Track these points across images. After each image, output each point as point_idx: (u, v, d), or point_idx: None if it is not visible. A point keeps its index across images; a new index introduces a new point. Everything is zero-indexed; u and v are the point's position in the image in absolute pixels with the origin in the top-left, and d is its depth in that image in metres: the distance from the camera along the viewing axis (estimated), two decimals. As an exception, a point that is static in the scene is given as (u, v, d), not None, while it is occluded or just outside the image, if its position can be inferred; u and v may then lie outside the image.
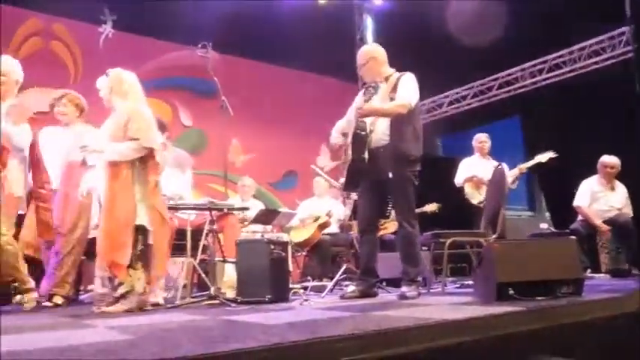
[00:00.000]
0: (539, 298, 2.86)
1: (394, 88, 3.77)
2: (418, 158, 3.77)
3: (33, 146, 3.80)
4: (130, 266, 3.34)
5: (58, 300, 3.97)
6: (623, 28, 6.76)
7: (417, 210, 3.96)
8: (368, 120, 3.75)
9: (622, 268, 5.48)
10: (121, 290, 3.33)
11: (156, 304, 3.53)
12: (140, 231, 3.41)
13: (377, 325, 2.09)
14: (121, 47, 7.03)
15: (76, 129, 4.25)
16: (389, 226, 5.83)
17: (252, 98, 7.41)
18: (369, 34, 9.21)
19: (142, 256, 3.40)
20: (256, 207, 5.79)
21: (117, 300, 3.32)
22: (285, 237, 5.21)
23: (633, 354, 2.54)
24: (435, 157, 9.15)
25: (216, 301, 3.67)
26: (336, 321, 2.44)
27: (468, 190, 5.81)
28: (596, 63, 7.08)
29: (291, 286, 4.20)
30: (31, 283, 3.71)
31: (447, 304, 3.13)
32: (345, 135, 3.97)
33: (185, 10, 6.68)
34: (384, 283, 4.36)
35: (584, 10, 6.41)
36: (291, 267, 4.37)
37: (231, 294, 3.95)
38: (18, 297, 4.27)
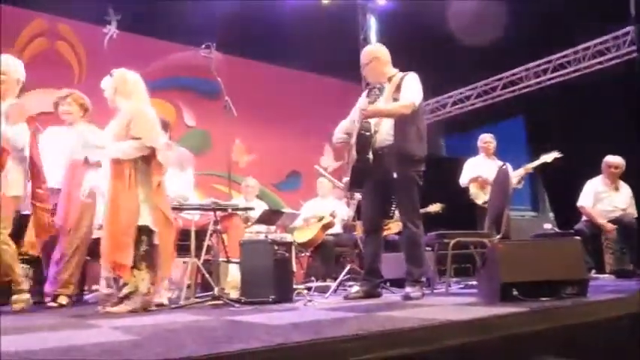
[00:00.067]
0: (544, 298, 2.85)
1: (398, 89, 3.77)
2: (422, 158, 3.76)
3: (31, 146, 3.76)
4: (134, 267, 3.34)
5: (63, 300, 3.98)
6: (628, 28, 6.75)
7: (421, 210, 3.95)
8: (372, 120, 3.75)
9: (626, 269, 5.47)
10: (126, 291, 3.33)
11: (160, 305, 3.54)
12: (144, 231, 3.41)
13: (381, 326, 2.09)
14: (125, 48, 7.05)
15: (79, 128, 4.25)
16: (392, 227, 5.83)
17: (255, 99, 7.41)
18: (373, 34, 9.21)
19: (147, 257, 3.40)
20: (260, 207, 5.79)
21: (121, 300, 3.33)
22: (288, 237, 5.22)
23: (638, 355, 2.53)
24: (438, 158, 9.14)
25: (220, 302, 3.66)
26: (340, 321, 2.43)
27: (473, 190, 5.80)
28: (600, 63, 7.07)
29: (294, 286, 4.20)
30: (25, 285, 3.68)
31: (451, 304, 3.13)
32: (348, 135, 3.97)
33: (189, 10, 6.69)
34: (388, 284, 4.35)
35: (588, 10, 6.40)
36: (294, 267, 4.37)
37: (234, 294, 3.96)
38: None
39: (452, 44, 7.08)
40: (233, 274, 4.26)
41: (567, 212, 6.42)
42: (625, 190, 5.91)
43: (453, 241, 4.04)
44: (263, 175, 7.39)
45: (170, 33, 7.30)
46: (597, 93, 6.86)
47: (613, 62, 6.93)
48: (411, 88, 3.74)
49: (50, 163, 4.14)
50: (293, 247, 4.28)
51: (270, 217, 5.53)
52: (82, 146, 4.00)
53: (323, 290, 4.45)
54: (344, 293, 4.05)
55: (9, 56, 3.78)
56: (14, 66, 3.74)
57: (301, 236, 6.01)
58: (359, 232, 5.00)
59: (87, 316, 3.11)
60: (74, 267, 4.07)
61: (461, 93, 8.74)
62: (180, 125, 7.55)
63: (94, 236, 4.14)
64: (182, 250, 4.12)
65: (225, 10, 6.67)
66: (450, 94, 8.84)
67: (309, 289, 4.47)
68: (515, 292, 2.90)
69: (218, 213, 4.14)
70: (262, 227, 5.67)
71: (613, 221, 5.67)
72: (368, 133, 3.71)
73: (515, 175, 5.62)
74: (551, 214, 7.71)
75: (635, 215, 5.76)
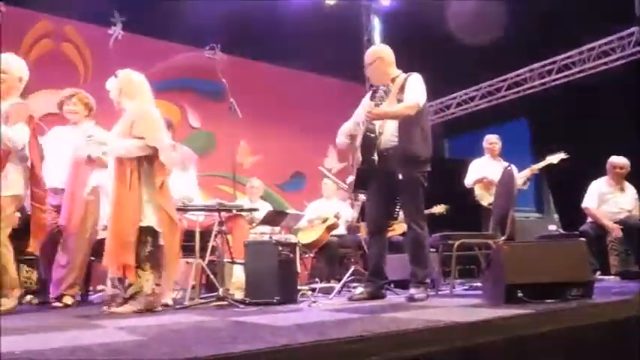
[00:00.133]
0: (549, 300, 2.85)
1: (401, 89, 3.77)
2: (427, 159, 3.76)
3: (30, 145, 3.70)
4: (138, 267, 3.35)
5: (68, 300, 4.00)
6: (633, 29, 6.72)
7: (425, 211, 3.95)
8: (377, 122, 3.75)
9: (632, 271, 5.44)
10: (131, 291, 3.34)
11: (165, 305, 3.55)
12: (149, 232, 3.41)
13: (385, 327, 2.09)
14: (130, 49, 7.07)
15: (83, 126, 4.26)
16: (397, 228, 5.82)
17: (259, 100, 7.42)
18: (377, 35, 9.21)
19: (151, 258, 3.40)
20: (264, 208, 5.80)
21: (126, 301, 3.34)
22: (293, 238, 5.22)
23: (644, 357, 2.52)
24: (442, 159, 9.13)
25: (225, 303, 3.67)
26: (344, 323, 2.44)
27: (478, 191, 5.79)
28: (605, 63, 7.04)
29: (299, 287, 4.20)
30: (16, 292, 3.55)
31: (456, 306, 3.13)
32: (351, 137, 3.97)
33: (194, 11, 6.71)
34: (393, 285, 4.35)
35: (592, 11, 6.39)
36: (298, 268, 4.37)
37: (239, 295, 3.96)
38: (28, 297, 4.31)
39: (456, 45, 7.07)
40: (237, 275, 4.27)
41: (572, 213, 6.40)
42: (630, 191, 5.88)
43: (457, 243, 4.03)
44: (267, 176, 7.40)
45: (175, 34, 7.32)
46: (602, 94, 6.84)
47: (618, 63, 6.91)
48: (415, 89, 3.74)
49: (55, 163, 4.16)
50: (297, 248, 4.27)
51: (275, 218, 5.54)
52: (85, 142, 3.99)
53: (327, 291, 4.45)
54: (348, 294, 4.05)
55: (10, 55, 3.73)
56: (16, 65, 3.69)
57: (305, 237, 6.01)
58: (363, 234, 4.99)
59: (92, 317, 3.12)
60: (79, 269, 4.08)
61: (465, 94, 8.72)
62: (185, 126, 7.57)
63: (99, 237, 4.16)
64: (187, 250, 4.14)
65: (230, 11, 6.68)
66: (454, 95, 8.82)
67: (313, 290, 4.47)
68: (520, 294, 2.89)
69: (223, 214, 4.15)
70: (266, 228, 5.67)
71: (618, 223, 5.65)
72: (373, 135, 3.71)
73: (521, 177, 5.61)
74: (556, 216, 7.68)
75: (641, 217, 5.74)
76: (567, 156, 5.68)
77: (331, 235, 6.10)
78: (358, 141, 3.81)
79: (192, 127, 7.72)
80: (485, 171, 5.80)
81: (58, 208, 4.17)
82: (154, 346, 1.86)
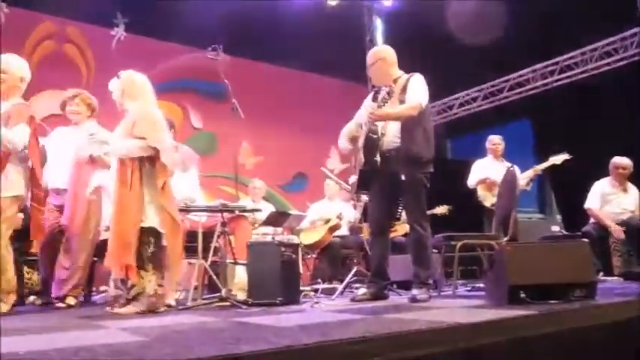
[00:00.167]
0: (552, 301, 2.84)
1: (403, 90, 3.76)
2: (430, 160, 3.76)
3: (31, 146, 3.68)
4: (141, 268, 3.36)
5: (71, 301, 4.00)
6: (635, 29, 6.72)
7: (428, 212, 3.94)
8: (379, 123, 3.75)
9: (634, 271, 5.42)
10: (133, 292, 3.35)
11: (167, 306, 3.55)
12: (151, 233, 3.42)
13: (388, 328, 2.09)
14: (132, 50, 7.09)
15: (85, 126, 4.26)
16: (399, 229, 5.82)
17: (262, 100, 7.42)
18: (379, 36, 9.22)
19: (153, 258, 3.41)
20: (267, 209, 5.80)
21: (129, 302, 3.34)
22: (295, 239, 5.22)
23: (647, 358, 2.52)
24: (445, 159, 9.12)
25: (227, 303, 3.67)
26: (347, 324, 2.44)
27: (481, 192, 5.78)
28: (608, 64, 7.03)
29: (301, 288, 4.20)
30: (12, 297, 3.52)
31: (458, 307, 3.12)
32: (353, 139, 3.97)
33: (196, 12, 6.71)
34: (395, 286, 4.35)
35: (595, 11, 6.38)
36: (301, 269, 4.37)
37: (242, 296, 3.96)
38: (31, 297, 4.32)
39: (458, 45, 7.06)
40: (240, 276, 4.27)
41: (574, 214, 6.39)
42: (633, 192, 5.87)
43: (460, 244, 4.03)
44: (269, 177, 7.40)
45: (177, 35, 7.33)
46: (605, 94, 6.83)
47: (621, 63, 6.90)
48: (417, 89, 3.74)
49: (57, 164, 4.17)
50: (300, 249, 4.27)
51: (277, 218, 5.54)
52: (87, 140, 3.99)
53: (330, 292, 4.45)
54: (351, 295, 4.05)
55: (12, 55, 3.72)
56: (17, 65, 3.67)
57: (308, 238, 6.01)
58: (365, 235, 4.99)
59: (95, 317, 3.12)
60: (83, 270, 4.09)
61: (467, 95, 8.72)
62: (187, 127, 7.58)
63: (102, 238, 4.17)
64: (189, 251, 4.14)
65: (233, 12, 6.69)
66: (457, 95, 8.81)
67: (315, 291, 4.47)
68: (522, 295, 2.89)
69: (225, 214, 4.15)
70: (269, 229, 5.67)
71: (621, 223, 5.64)
72: (375, 136, 3.71)
73: (524, 177, 5.60)
74: (559, 216, 7.68)
75: (643, 217, 5.73)
76: (571, 157, 5.66)
77: (333, 236, 6.09)
78: (361, 142, 3.81)
79: (194, 128, 7.73)
80: (488, 172, 5.79)
81: (60, 208, 4.18)
82: (156, 347, 1.87)
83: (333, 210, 6.29)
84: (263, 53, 7.93)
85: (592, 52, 7.19)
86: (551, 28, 6.94)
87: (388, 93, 3.68)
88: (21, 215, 3.84)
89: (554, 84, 7.62)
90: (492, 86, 8.36)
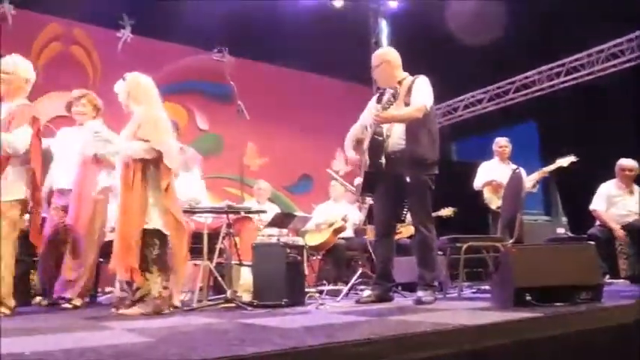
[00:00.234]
0: (558, 304, 2.83)
1: (408, 92, 3.76)
2: (435, 162, 3.76)
3: (33, 147, 3.62)
4: (146, 270, 3.36)
5: (77, 302, 4.01)
6: (642, 31, 6.70)
7: (433, 214, 3.94)
8: (384, 125, 3.74)
9: (641, 274, 5.40)
10: (138, 294, 3.35)
11: (173, 307, 3.55)
12: (156, 235, 3.42)
13: (393, 330, 2.09)
14: (138, 51, 7.12)
15: (90, 125, 4.25)
16: (404, 231, 5.82)
17: (267, 102, 7.43)
18: (384, 38, 9.21)
19: (158, 260, 3.41)
20: (272, 210, 5.81)
21: (134, 303, 3.35)
22: (300, 241, 5.22)
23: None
24: (450, 161, 9.10)
25: (233, 305, 3.67)
26: (352, 325, 2.44)
27: (487, 194, 5.76)
28: (614, 66, 7.01)
29: (306, 290, 4.20)
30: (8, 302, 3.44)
31: (464, 309, 3.12)
32: (359, 142, 3.97)
33: (202, 14, 6.73)
34: (400, 288, 4.34)
35: (602, 13, 6.35)
36: (306, 271, 4.37)
37: (247, 297, 3.96)
38: (37, 298, 4.33)
39: (463, 47, 7.05)
40: (245, 277, 4.28)
41: (580, 216, 6.36)
42: (639, 194, 5.84)
43: (465, 246, 4.02)
44: (275, 178, 7.41)
45: (183, 37, 7.35)
46: (611, 96, 6.81)
47: (627, 65, 6.87)
48: (422, 91, 3.74)
49: (62, 164, 4.18)
50: (305, 251, 4.26)
51: (282, 220, 5.54)
52: (92, 139, 3.99)
53: (335, 294, 4.45)
54: (356, 297, 4.05)
55: (17, 56, 3.71)
56: (22, 66, 3.67)
57: (313, 240, 6.01)
58: (370, 236, 4.99)
59: (101, 318, 3.12)
60: (90, 271, 4.10)
61: (473, 96, 8.70)
62: (193, 129, 7.60)
63: (107, 239, 4.18)
64: (194, 252, 4.15)
65: (238, 13, 6.70)
66: (462, 97, 8.80)
67: (320, 292, 4.47)
68: (528, 297, 2.88)
69: (231, 216, 4.15)
70: (274, 230, 5.67)
71: (627, 226, 5.61)
72: (380, 138, 3.71)
73: (530, 179, 5.59)
74: (565, 219, 7.63)
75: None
76: (577, 159, 5.64)
77: (339, 238, 6.09)
78: (366, 144, 3.81)
79: (199, 130, 7.75)
80: (494, 174, 5.78)
81: (65, 208, 4.18)
82: (162, 348, 1.87)
83: (339, 212, 6.29)
84: (269, 55, 7.94)
85: (598, 54, 7.17)
86: (557, 29, 6.92)
87: (393, 95, 3.68)
88: (26, 217, 3.84)
89: (561, 85, 7.60)
90: (498, 88, 8.35)
